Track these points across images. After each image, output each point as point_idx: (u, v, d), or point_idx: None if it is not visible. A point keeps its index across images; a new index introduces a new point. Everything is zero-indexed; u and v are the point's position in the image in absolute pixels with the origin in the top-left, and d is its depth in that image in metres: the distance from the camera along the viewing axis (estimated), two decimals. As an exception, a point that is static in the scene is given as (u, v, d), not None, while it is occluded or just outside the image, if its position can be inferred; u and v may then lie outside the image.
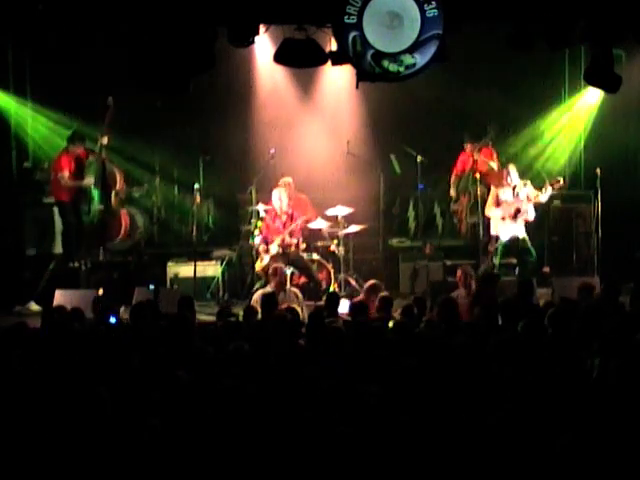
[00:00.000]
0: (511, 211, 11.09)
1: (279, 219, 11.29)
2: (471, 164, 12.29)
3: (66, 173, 11.05)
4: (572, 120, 12.87)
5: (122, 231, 11.43)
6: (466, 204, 12.58)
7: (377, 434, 5.13)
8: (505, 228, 11.17)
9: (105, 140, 11.14)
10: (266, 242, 11.20)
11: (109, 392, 5.64)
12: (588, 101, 12.57)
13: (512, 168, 11.33)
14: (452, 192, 12.72)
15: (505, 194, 11.19)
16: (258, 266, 11.14)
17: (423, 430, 5.20)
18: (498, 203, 11.20)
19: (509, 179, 11.19)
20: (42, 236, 11.81)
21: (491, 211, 11.29)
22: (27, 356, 6.72)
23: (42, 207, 11.97)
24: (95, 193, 11.25)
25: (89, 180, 11.25)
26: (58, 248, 11.55)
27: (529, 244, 11.18)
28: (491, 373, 6.22)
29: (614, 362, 5.92)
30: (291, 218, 11.29)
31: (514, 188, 11.16)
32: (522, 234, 11.16)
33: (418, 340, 7.02)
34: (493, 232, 11.36)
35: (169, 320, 7.83)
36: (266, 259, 11.08)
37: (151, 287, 10.11)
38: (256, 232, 11.45)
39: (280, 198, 11.28)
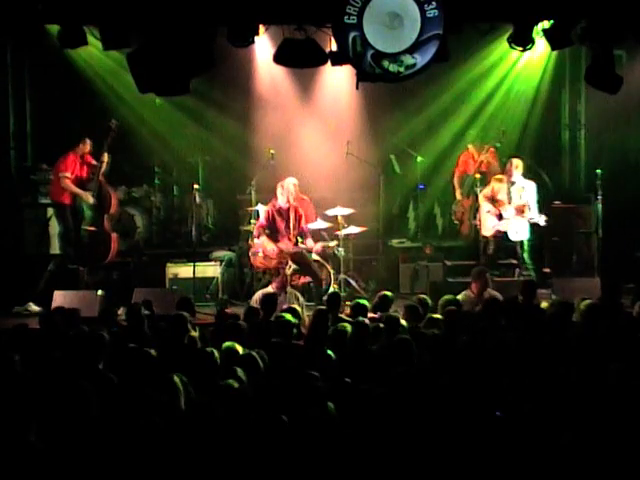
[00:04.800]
0: (496, 211, 11.24)
1: (281, 215, 11.22)
2: (476, 165, 12.24)
3: (68, 174, 10.93)
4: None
5: (110, 255, 11.20)
6: (469, 206, 12.56)
7: (380, 434, 5.13)
8: (490, 222, 11.32)
9: (105, 157, 11.00)
10: (268, 235, 11.14)
11: (108, 392, 5.66)
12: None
13: (516, 163, 11.36)
14: (458, 194, 12.66)
15: (501, 193, 11.25)
16: (259, 260, 11.08)
17: (426, 430, 5.20)
18: (492, 199, 11.27)
19: (513, 176, 11.25)
20: (41, 237, 11.76)
21: (483, 203, 11.42)
22: (29, 357, 6.71)
23: (41, 207, 11.92)
24: (87, 214, 11.02)
25: (88, 197, 10.98)
26: (56, 249, 11.49)
27: (525, 251, 11.27)
28: (493, 373, 6.22)
29: (616, 364, 5.92)
30: (295, 212, 11.23)
31: (511, 185, 11.21)
32: (515, 237, 11.25)
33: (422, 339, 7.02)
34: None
35: (168, 321, 7.85)
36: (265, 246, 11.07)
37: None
38: (255, 232, 11.42)
39: (288, 195, 11.14)
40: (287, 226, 11.20)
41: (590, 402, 5.56)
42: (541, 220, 11.13)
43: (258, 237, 11.14)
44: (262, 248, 11.05)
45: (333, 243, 11.34)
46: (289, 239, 11.14)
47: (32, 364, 6.54)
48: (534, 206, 11.23)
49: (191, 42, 9.06)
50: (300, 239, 11.22)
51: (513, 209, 11.20)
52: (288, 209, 11.21)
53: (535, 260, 11.47)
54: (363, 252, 12.23)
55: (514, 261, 11.47)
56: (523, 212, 11.16)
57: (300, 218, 11.25)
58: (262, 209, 11.47)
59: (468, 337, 6.96)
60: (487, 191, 11.44)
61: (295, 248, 11.08)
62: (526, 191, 11.25)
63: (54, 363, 6.71)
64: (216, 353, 6.54)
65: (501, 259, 11.62)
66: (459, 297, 9.32)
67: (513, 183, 11.30)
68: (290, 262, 10.85)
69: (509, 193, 11.28)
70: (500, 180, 11.40)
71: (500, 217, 11.26)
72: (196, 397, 5.80)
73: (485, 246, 11.52)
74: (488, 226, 11.39)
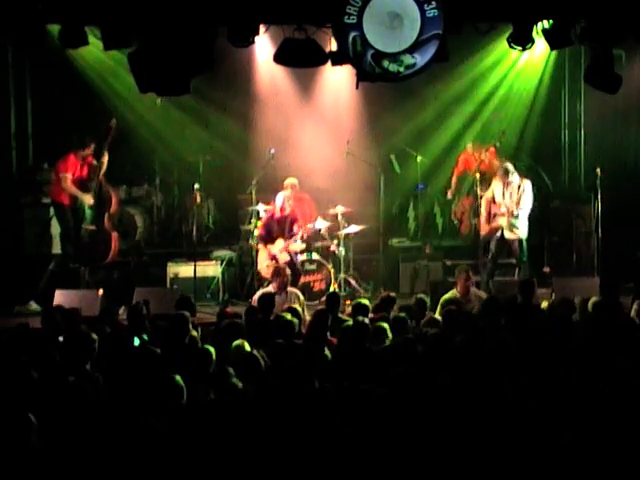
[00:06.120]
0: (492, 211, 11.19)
1: (279, 222, 11.28)
2: (477, 164, 12.21)
3: (69, 175, 10.93)
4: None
5: (111, 254, 11.21)
6: (469, 205, 12.57)
7: (381, 435, 5.13)
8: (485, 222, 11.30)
9: (105, 157, 11.02)
10: (265, 243, 11.22)
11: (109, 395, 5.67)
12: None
13: (509, 169, 11.31)
14: (449, 194, 12.73)
15: (498, 194, 11.21)
16: (263, 270, 11.10)
17: (426, 430, 5.21)
18: (493, 200, 11.23)
19: (508, 177, 11.19)
20: (42, 236, 11.77)
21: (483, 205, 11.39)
22: (31, 356, 6.72)
23: (42, 207, 11.93)
24: (88, 213, 11.01)
25: (88, 199, 10.98)
26: (57, 248, 11.50)
27: (523, 250, 11.22)
28: (493, 372, 6.23)
29: (618, 362, 5.94)
30: (292, 222, 11.29)
31: (507, 186, 11.16)
32: (510, 235, 11.18)
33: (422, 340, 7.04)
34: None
35: (168, 321, 7.86)
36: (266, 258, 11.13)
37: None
38: (256, 232, 11.45)
39: (284, 203, 11.28)
40: (286, 229, 11.28)
41: (590, 402, 5.57)
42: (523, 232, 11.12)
43: (259, 250, 11.23)
44: (266, 257, 11.15)
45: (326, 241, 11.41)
46: (283, 239, 11.22)
47: (34, 363, 6.56)
48: (528, 205, 11.17)
49: (191, 42, 9.06)
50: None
51: (506, 208, 11.15)
52: (285, 216, 11.30)
53: (532, 259, 11.44)
54: (363, 251, 12.25)
55: (514, 261, 11.45)
56: (514, 211, 11.10)
57: (295, 222, 11.32)
58: (262, 209, 11.51)
59: (468, 336, 6.97)
60: (489, 194, 11.37)
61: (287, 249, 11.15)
62: (522, 190, 11.18)
63: (54, 362, 6.74)
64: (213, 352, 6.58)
65: (501, 258, 11.59)
66: (446, 296, 9.37)
67: (509, 184, 11.24)
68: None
69: (504, 194, 11.22)
70: (498, 180, 11.35)
71: (494, 217, 11.20)
72: (197, 397, 5.81)
73: (486, 246, 11.46)
74: (485, 226, 11.36)
